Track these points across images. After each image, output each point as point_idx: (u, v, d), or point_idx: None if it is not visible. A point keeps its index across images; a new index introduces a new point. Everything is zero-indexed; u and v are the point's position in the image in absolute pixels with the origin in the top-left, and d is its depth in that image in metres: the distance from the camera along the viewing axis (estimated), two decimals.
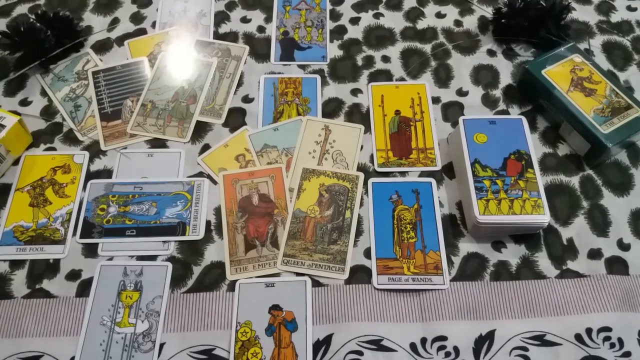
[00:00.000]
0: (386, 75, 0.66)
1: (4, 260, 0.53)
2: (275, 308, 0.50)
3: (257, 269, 0.52)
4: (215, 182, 0.58)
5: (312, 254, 0.53)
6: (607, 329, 0.49)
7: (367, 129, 0.61)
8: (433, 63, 0.67)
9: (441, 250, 0.53)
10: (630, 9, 0.73)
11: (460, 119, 0.56)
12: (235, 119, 0.63)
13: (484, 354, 0.48)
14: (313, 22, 0.72)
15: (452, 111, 0.63)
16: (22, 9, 0.74)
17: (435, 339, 0.49)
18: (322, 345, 0.48)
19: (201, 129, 0.62)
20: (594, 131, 0.56)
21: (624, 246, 0.54)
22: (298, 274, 0.52)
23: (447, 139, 0.61)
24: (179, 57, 0.67)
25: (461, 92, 0.65)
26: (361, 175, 0.57)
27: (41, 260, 0.53)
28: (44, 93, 0.65)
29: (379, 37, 0.70)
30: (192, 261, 0.53)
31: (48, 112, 0.64)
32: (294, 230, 0.54)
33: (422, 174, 0.58)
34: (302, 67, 0.67)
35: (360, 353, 0.48)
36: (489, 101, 0.64)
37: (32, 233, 0.55)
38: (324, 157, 0.59)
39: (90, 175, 0.58)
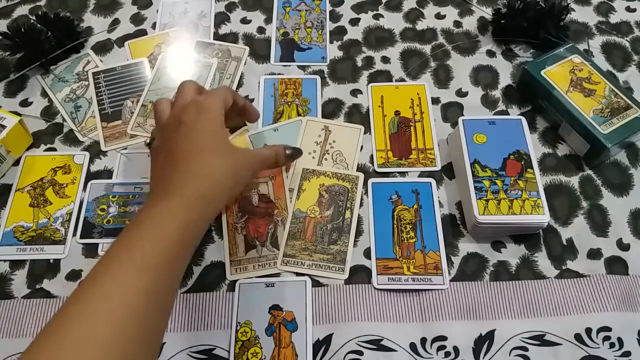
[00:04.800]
0: (386, 76, 0.66)
1: (4, 260, 0.53)
2: (275, 308, 0.50)
3: (257, 269, 0.52)
4: None
5: (312, 254, 0.53)
6: (607, 328, 0.49)
7: (367, 130, 0.62)
8: (433, 64, 0.67)
9: (441, 251, 0.53)
10: (629, 9, 0.73)
11: (460, 120, 0.56)
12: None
13: (484, 353, 0.48)
14: (313, 23, 0.72)
15: (451, 112, 0.63)
16: (22, 10, 0.74)
17: (435, 339, 0.49)
18: (322, 345, 0.48)
19: None
20: (594, 131, 0.56)
21: (623, 246, 0.54)
22: (298, 274, 0.52)
23: (447, 139, 0.61)
24: (179, 58, 0.67)
25: (461, 93, 0.65)
26: (361, 176, 0.57)
27: (41, 260, 0.53)
28: (44, 94, 0.65)
29: (379, 38, 0.70)
30: (192, 261, 0.53)
31: (48, 112, 0.64)
32: (294, 230, 0.54)
33: (422, 174, 0.58)
34: (302, 67, 0.67)
35: (360, 353, 0.48)
36: (488, 102, 0.64)
37: (33, 233, 0.55)
38: (324, 157, 0.59)
39: (90, 176, 0.59)
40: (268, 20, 0.72)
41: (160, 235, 0.39)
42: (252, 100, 0.64)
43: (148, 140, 0.52)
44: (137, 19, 0.72)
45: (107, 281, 0.36)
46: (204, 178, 0.44)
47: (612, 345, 0.48)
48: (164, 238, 0.39)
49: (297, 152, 0.56)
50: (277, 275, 0.52)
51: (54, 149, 0.61)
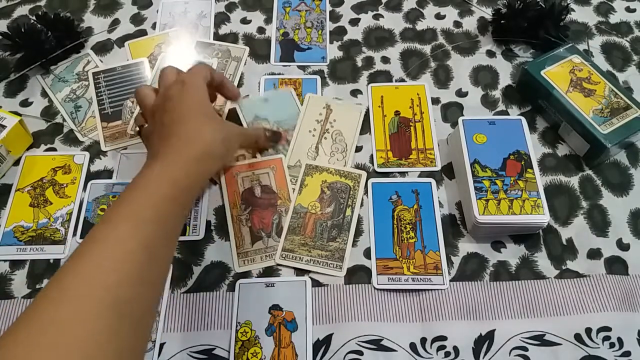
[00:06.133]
0: (386, 76, 0.66)
1: (4, 261, 0.53)
2: (275, 308, 0.50)
3: (265, 259, 0.53)
4: (215, 183, 0.58)
5: (310, 250, 0.53)
6: (607, 328, 0.49)
7: (367, 129, 0.62)
8: (432, 64, 0.68)
9: (441, 251, 0.53)
10: (629, 10, 0.73)
11: (460, 120, 0.56)
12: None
13: (484, 354, 0.48)
14: (313, 23, 0.72)
15: (451, 112, 0.63)
16: (23, 10, 0.74)
17: (435, 339, 0.49)
18: (322, 345, 0.48)
19: None
20: (593, 131, 0.56)
21: (623, 246, 0.54)
22: (297, 270, 0.52)
23: (447, 139, 0.61)
24: (179, 58, 0.67)
25: (460, 93, 0.65)
26: (364, 174, 0.57)
27: (41, 260, 0.53)
28: (44, 94, 0.65)
29: (379, 38, 0.70)
30: (192, 261, 0.53)
31: (48, 112, 0.64)
32: (293, 225, 0.54)
33: (422, 175, 0.58)
34: (302, 68, 0.67)
35: (360, 353, 0.48)
36: (488, 102, 0.64)
37: (33, 233, 0.55)
38: (323, 136, 0.59)
39: (90, 176, 0.59)
40: (268, 21, 0.72)
41: (154, 191, 0.41)
42: None
43: (137, 128, 0.53)
44: (137, 19, 0.72)
45: (107, 235, 0.38)
46: (195, 141, 0.45)
47: (612, 345, 0.48)
48: (157, 193, 0.41)
49: (276, 136, 0.58)
50: (277, 274, 0.52)
51: (54, 149, 0.61)
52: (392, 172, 0.59)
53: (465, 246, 0.54)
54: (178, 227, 0.44)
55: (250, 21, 0.72)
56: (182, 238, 0.54)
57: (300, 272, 0.52)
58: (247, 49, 0.69)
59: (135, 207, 0.40)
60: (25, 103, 0.65)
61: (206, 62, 0.67)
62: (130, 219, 0.39)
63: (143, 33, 0.71)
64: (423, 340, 0.49)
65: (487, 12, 0.72)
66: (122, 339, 0.35)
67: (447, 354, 0.48)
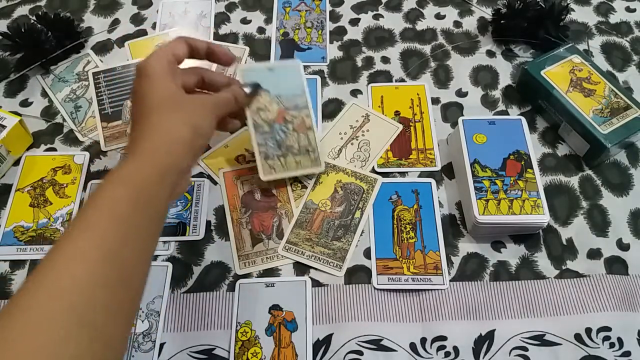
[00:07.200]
0: (386, 76, 0.66)
1: (5, 261, 0.53)
2: (275, 308, 0.50)
3: (266, 261, 0.53)
4: (215, 183, 0.58)
5: (314, 246, 0.53)
6: (607, 328, 0.49)
7: None
8: (432, 64, 0.68)
9: (441, 251, 0.53)
10: (629, 10, 0.73)
11: (460, 120, 0.56)
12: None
13: (484, 353, 0.48)
14: (313, 23, 0.72)
15: (451, 112, 0.63)
16: (23, 10, 0.74)
17: (435, 339, 0.49)
18: (322, 345, 0.48)
19: None
20: (593, 131, 0.56)
21: (623, 246, 0.54)
22: (298, 273, 0.52)
23: (447, 139, 0.61)
24: None
25: (460, 93, 0.65)
26: (379, 179, 0.57)
27: None
28: (44, 94, 0.65)
29: (379, 38, 0.70)
30: (192, 261, 0.53)
31: (48, 112, 0.64)
32: (301, 219, 0.54)
33: (422, 175, 0.58)
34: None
35: (360, 353, 0.48)
36: (488, 102, 0.64)
37: (33, 233, 0.55)
38: (350, 141, 0.60)
39: (90, 176, 0.59)
40: (268, 21, 0.72)
41: (109, 193, 0.38)
42: None
43: None
44: (137, 19, 0.72)
45: (62, 238, 0.36)
46: (153, 136, 0.42)
47: (612, 345, 0.48)
48: (113, 195, 0.38)
49: (256, 89, 0.53)
50: (277, 274, 0.52)
51: (54, 149, 0.61)
52: (392, 172, 0.59)
53: (465, 246, 0.54)
54: (146, 227, 0.40)
55: (250, 21, 0.72)
56: (182, 238, 0.54)
57: (300, 267, 0.52)
58: (247, 49, 0.69)
59: (90, 209, 0.37)
60: (25, 103, 0.65)
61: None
62: (83, 221, 0.37)
63: (143, 33, 0.71)
64: (423, 340, 0.49)
65: (487, 12, 0.72)
66: (81, 346, 0.32)
67: (447, 354, 0.48)
